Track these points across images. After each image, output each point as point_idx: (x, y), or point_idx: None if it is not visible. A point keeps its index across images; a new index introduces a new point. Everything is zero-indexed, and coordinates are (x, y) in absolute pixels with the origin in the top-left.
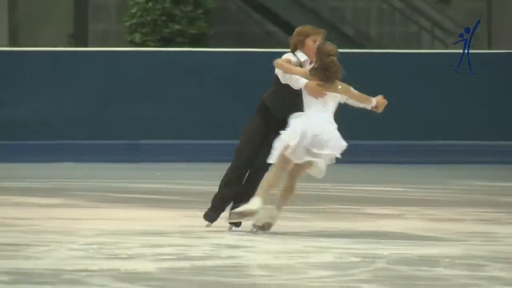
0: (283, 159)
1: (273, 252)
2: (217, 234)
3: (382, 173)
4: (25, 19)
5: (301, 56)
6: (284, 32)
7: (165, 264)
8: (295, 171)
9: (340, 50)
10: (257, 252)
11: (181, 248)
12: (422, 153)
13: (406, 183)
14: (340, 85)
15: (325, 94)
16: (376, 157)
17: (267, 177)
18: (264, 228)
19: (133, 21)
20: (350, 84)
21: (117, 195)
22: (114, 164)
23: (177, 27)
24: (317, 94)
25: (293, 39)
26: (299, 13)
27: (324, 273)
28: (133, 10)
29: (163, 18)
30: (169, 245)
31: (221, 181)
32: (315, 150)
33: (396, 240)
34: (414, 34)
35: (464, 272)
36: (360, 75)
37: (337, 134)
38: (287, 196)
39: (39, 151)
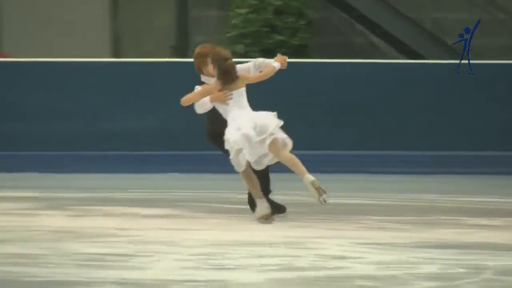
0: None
1: (378, 263)
2: (323, 245)
3: (484, 184)
4: (127, 30)
5: (209, 80)
6: (387, 43)
7: (272, 275)
8: (275, 153)
9: (442, 61)
10: (363, 263)
11: (287, 258)
12: None
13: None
14: (239, 80)
15: (231, 95)
16: (479, 168)
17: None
18: (267, 218)
19: (235, 32)
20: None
21: (223, 205)
22: (220, 174)
23: (279, 38)
24: (224, 99)
25: (195, 61)
26: (401, 24)
27: (430, 284)
28: (235, 21)
29: (265, 29)
30: (275, 256)
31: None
32: (263, 136)
33: (502, 251)
34: None
35: None
36: (462, 85)
37: (259, 112)
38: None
39: (143, 161)
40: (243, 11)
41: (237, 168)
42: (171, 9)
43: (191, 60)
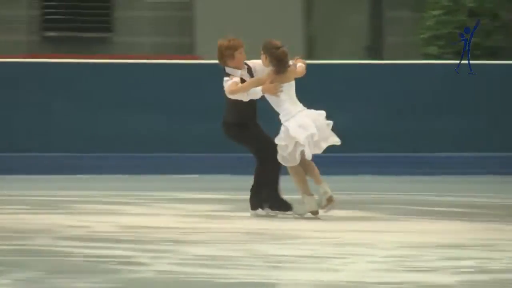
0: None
1: None
2: None
3: None
4: (321, 31)
5: (235, 72)
6: None
7: (465, 277)
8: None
9: None
10: None
11: (481, 261)
12: None
13: None
14: (289, 72)
15: (282, 87)
16: None
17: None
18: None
19: (428, 33)
20: None
21: (416, 207)
22: (410, 176)
23: (473, 39)
24: (276, 92)
25: (224, 53)
26: None
27: None
28: (429, 23)
29: (459, 31)
30: (469, 258)
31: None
32: (318, 137)
33: None
34: None
35: None
36: None
37: (311, 111)
38: (313, 175)
39: (335, 163)
40: (437, 12)
41: (289, 163)
42: (365, 10)
43: (386, 62)
